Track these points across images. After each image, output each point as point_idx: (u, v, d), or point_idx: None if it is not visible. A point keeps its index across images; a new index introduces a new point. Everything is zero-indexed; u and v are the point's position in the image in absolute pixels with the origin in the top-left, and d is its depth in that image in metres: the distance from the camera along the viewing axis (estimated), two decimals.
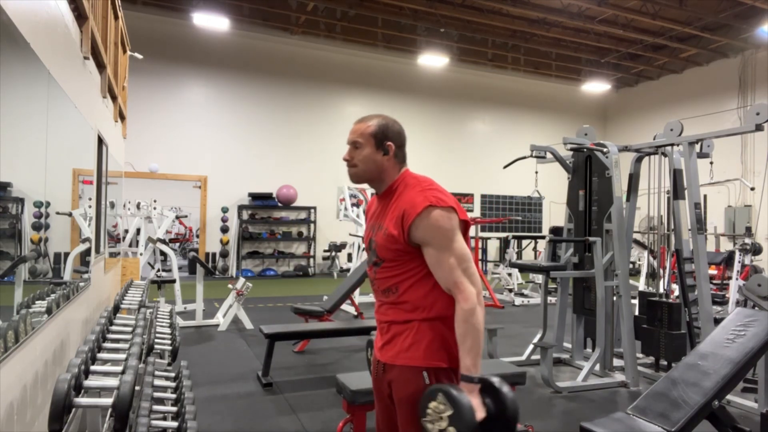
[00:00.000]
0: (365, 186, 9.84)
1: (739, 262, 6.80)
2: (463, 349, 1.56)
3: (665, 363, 4.65)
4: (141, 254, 7.14)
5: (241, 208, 12.02)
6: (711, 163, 5.01)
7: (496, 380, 1.56)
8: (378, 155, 1.70)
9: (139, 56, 5.70)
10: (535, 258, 13.83)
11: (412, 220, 1.60)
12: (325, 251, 12.60)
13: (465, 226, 1.67)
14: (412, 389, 1.62)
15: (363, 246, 8.58)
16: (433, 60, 12.98)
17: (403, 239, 1.62)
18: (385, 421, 1.82)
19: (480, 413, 1.49)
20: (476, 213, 14.40)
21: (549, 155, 5.26)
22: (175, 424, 1.74)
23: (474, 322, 1.55)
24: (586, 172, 5.03)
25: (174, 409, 1.85)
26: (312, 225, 12.63)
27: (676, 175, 4.62)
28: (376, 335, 1.86)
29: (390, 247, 1.66)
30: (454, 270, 1.58)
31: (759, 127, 4.03)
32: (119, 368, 1.78)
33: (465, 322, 1.56)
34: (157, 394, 1.88)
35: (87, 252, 3.13)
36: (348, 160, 1.73)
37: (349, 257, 9.09)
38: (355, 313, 7.21)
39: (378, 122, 1.71)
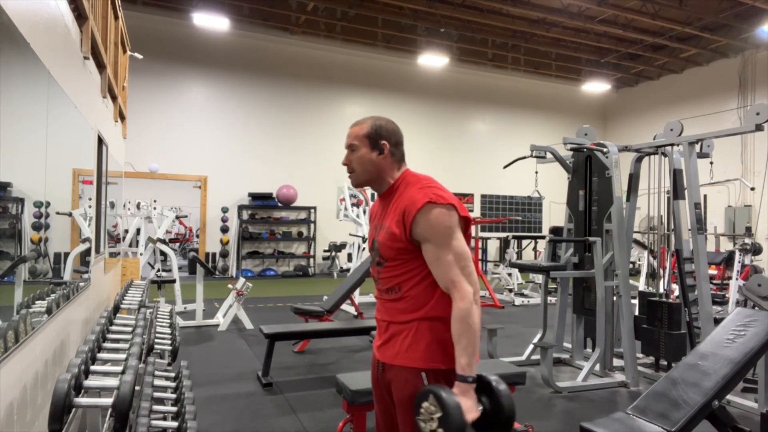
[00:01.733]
0: (365, 186, 9.72)
1: (739, 262, 6.79)
2: (459, 348, 1.56)
3: (665, 363, 4.65)
4: (141, 254, 7.14)
5: (241, 208, 12.02)
6: (711, 163, 5.01)
7: (493, 378, 1.56)
8: (373, 155, 1.71)
9: (139, 56, 5.70)
10: (535, 258, 13.83)
11: (413, 217, 1.60)
12: (325, 251, 12.60)
13: (466, 223, 1.67)
14: (410, 390, 1.63)
15: (363, 246, 8.55)
16: (433, 60, 12.98)
17: (405, 237, 1.63)
18: (384, 421, 1.82)
19: (472, 414, 1.50)
20: (476, 213, 14.40)
21: (549, 155, 5.25)
22: (175, 424, 1.74)
23: (470, 322, 1.55)
24: (586, 172, 5.03)
25: (174, 409, 1.85)
26: (312, 225, 12.63)
27: (676, 175, 4.62)
28: (375, 333, 1.86)
29: (392, 245, 1.66)
30: (451, 268, 1.59)
31: (759, 127, 4.03)
32: (119, 368, 1.78)
33: (461, 322, 1.56)
34: (157, 394, 1.88)
35: (87, 252, 3.13)
36: (346, 164, 1.76)
37: (349, 257, 9.10)
38: (355, 313, 7.21)
39: (371, 123, 1.73)
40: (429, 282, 1.65)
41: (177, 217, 10.65)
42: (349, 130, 1.76)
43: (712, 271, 8.24)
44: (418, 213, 1.60)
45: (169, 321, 3.15)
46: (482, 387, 1.57)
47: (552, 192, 11.70)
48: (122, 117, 5.31)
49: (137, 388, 1.77)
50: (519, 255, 13.07)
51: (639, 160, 5.03)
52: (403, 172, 1.76)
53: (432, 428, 1.50)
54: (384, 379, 1.75)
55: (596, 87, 15.13)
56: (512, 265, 8.97)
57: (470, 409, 1.50)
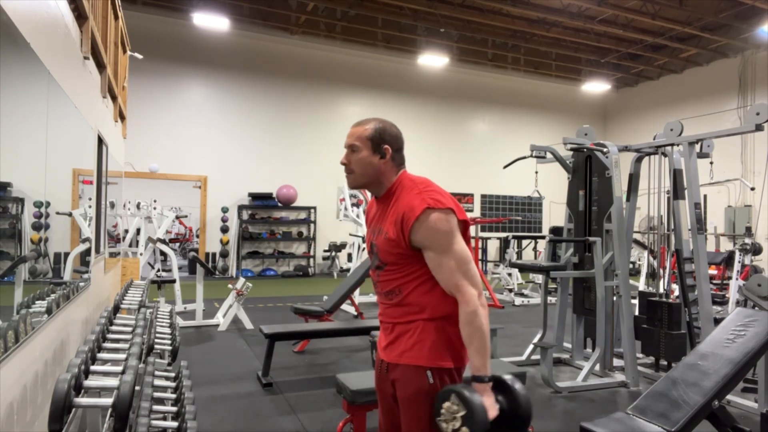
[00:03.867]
0: None
1: (739, 262, 6.80)
2: (471, 350, 1.58)
3: (665, 363, 4.65)
4: (141, 254, 7.14)
5: (241, 208, 12.02)
6: (711, 163, 5.01)
7: (508, 377, 1.59)
8: (375, 158, 1.69)
9: (139, 56, 5.70)
10: (535, 258, 13.83)
11: (411, 225, 1.60)
12: (325, 251, 12.60)
13: (464, 226, 1.66)
14: (415, 388, 1.63)
15: (363, 246, 8.56)
16: (433, 60, 12.98)
17: (404, 243, 1.63)
18: (387, 421, 1.82)
19: (492, 412, 1.52)
20: (476, 213, 14.40)
21: (549, 155, 5.26)
22: (175, 424, 1.74)
23: (478, 324, 1.57)
24: (586, 172, 5.03)
25: (174, 409, 1.85)
26: (312, 225, 12.63)
27: (676, 175, 4.62)
28: (379, 334, 1.86)
29: (392, 251, 1.67)
30: (454, 273, 1.59)
31: (759, 127, 4.03)
32: (119, 368, 1.77)
33: (469, 325, 1.58)
34: (157, 394, 1.87)
35: (87, 252, 3.13)
36: (345, 164, 1.73)
37: (349, 257, 9.10)
38: (355, 313, 7.21)
39: (375, 126, 1.71)
40: (430, 285, 1.66)
41: (177, 217, 10.67)
42: (350, 129, 1.73)
43: (712, 271, 8.24)
44: (416, 221, 1.59)
45: (169, 321, 3.15)
46: (497, 385, 1.60)
47: (552, 192, 11.69)
48: (122, 117, 5.30)
49: (137, 388, 1.77)
50: (519, 255, 13.07)
51: (639, 160, 5.03)
52: (400, 174, 1.74)
53: (455, 427, 1.52)
54: (388, 379, 1.75)
55: (596, 87, 15.13)
56: (512, 265, 8.97)
57: (490, 406, 1.53)
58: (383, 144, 1.70)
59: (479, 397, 1.51)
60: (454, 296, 1.61)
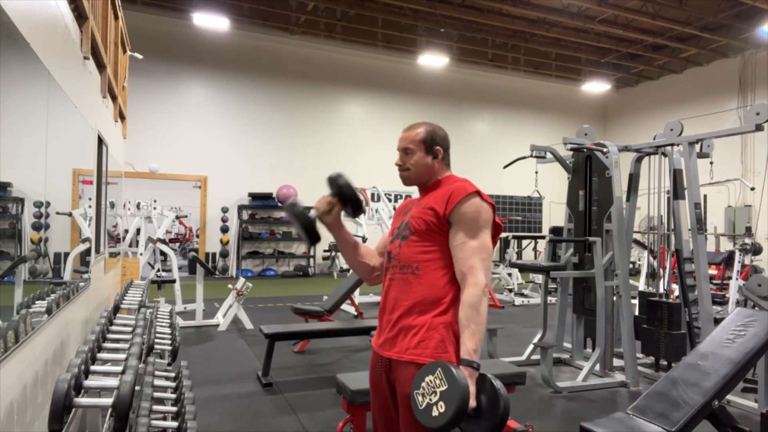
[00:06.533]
0: (365, 186, 9.73)
1: (739, 262, 6.80)
2: (467, 333, 1.60)
3: (665, 363, 4.65)
4: (141, 254, 7.14)
5: (241, 208, 12.02)
6: (711, 163, 5.01)
7: (493, 378, 1.56)
8: (428, 159, 1.83)
9: (139, 56, 5.71)
10: (535, 258, 13.83)
11: (458, 200, 1.70)
12: (325, 251, 12.59)
13: (496, 229, 1.76)
14: None
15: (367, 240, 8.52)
16: (433, 60, 12.98)
17: (443, 213, 1.71)
18: (382, 417, 1.83)
19: (472, 401, 1.50)
20: None
21: (549, 155, 5.26)
22: (175, 424, 1.74)
23: (480, 309, 1.61)
24: (586, 172, 5.03)
25: (174, 409, 1.85)
26: None
27: (676, 175, 4.62)
28: (376, 331, 1.86)
29: (426, 219, 1.74)
30: (474, 254, 1.66)
31: (759, 127, 4.03)
32: (119, 368, 1.77)
33: (471, 307, 1.61)
34: (157, 394, 1.88)
35: (87, 252, 3.13)
36: (400, 165, 1.86)
37: None
38: (355, 313, 7.21)
39: (426, 129, 1.86)
40: (446, 271, 1.70)
41: (177, 217, 10.67)
42: (402, 134, 1.86)
43: (712, 271, 8.24)
44: (464, 198, 1.70)
45: (169, 321, 3.15)
46: (482, 382, 1.56)
47: (552, 192, 11.71)
48: (122, 117, 5.31)
49: (137, 388, 1.77)
50: (519, 255, 13.07)
51: (639, 160, 5.03)
52: (449, 174, 1.88)
53: (431, 401, 1.48)
54: (389, 376, 1.75)
55: (596, 87, 15.13)
56: (512, 265, 8.97)
57: (471, 394, 1.51)
58: (435, 145, 1.84)
59: (466, 378, 1.49)
60: (464, 278, 1.65)
